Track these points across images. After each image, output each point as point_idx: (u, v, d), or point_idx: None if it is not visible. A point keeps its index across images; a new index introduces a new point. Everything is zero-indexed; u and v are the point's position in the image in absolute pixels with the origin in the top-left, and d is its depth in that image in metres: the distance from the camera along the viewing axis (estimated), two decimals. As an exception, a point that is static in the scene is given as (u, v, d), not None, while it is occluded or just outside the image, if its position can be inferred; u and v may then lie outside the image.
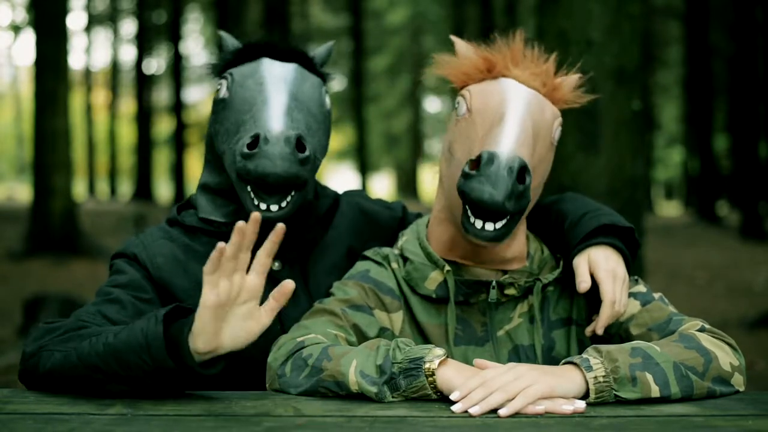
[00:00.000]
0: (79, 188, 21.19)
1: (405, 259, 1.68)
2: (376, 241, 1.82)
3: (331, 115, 1.75)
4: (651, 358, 1.41)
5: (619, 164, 3.12)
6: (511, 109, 1.53)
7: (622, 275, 1.60)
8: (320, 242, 1.79)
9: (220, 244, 1.30)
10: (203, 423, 1.28)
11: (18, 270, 9.06)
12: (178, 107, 20.82)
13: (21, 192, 27.86)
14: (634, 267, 1.65)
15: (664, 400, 1.40)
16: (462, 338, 1.63)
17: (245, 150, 1.52)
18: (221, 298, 1.32)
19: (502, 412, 1.31)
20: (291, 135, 1.51)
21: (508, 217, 1.47)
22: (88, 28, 28.83)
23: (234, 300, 1.34)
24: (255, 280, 1.36)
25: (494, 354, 1.63)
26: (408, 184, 31.52)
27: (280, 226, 1.33)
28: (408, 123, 30.04)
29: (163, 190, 30.78)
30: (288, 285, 1.35)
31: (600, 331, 1.59)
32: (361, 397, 1.41)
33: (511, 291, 1.62)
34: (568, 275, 1.66)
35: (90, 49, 30.18)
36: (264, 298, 1.70)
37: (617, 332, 1.63)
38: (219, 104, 1.69)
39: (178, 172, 20.61)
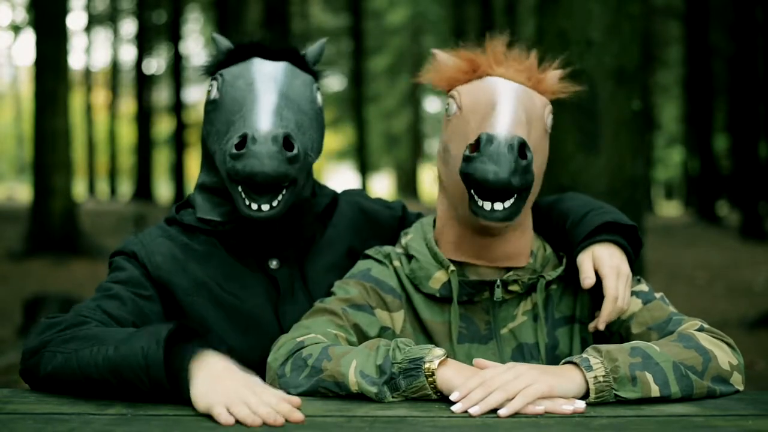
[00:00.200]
0: (79, 188, 21.20)
1: (409, 257, 1.68)
2: (377, 241, 1.82)
3: (323, 111, 1.76)
4: (650, 357, 1.41)
5: (619, 164, 3.12)
6: (502, 99, 1.54)
7: (625, 272, 1.60)
8: (319, 240, 1.79)
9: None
10: (203, 423, 1.28)
11: (18, 270, 9.05)
12: (178, 107, 20.82)
13: (21, 192, 27.87)
14: (634, 267, 1.66)
15: (664, 399, 1.40)
16: (465, 336, 1.63)
17: (233, 150, 1.52)
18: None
19: (501, 412, 1.31)
20: (279, 134, 1.51)
21: (516, 195, 1.47)
22: (88, 28, 28.84)
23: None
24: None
25: (498, 352, 1.63)
26: (408, 184, 31.52)
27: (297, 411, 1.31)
28: (408, 123, 30.07)
29: (163, 190, 30.79)
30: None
31: (602, 327, 1.59)
32: (361, 397, 1.41)
33: (515, 288, 1.63)
34: (571, 273, 1.67)
35: (90, 49, 30.19)
36: (263, 297, 1.71)
37: (618, 330, 1.64)
38: (210, 105, 1.70)
39: (178, 172, 20.62)
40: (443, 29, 24.88)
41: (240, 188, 1.56)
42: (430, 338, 1.64)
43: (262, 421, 1.26)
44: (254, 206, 1.56)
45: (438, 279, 1.64)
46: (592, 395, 1.37)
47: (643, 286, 1.67)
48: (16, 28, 26.11)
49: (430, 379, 1.38)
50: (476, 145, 1.45)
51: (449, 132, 1.61)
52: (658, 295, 1.67)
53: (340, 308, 1.60)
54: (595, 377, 1.37)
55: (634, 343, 1.46)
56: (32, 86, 10.05)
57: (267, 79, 1.65)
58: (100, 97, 32.27)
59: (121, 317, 1.56)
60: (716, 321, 5.77)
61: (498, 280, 1.61)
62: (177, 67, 21.11)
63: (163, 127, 28.47)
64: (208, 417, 1.30)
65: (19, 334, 5.63)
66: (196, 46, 29.77)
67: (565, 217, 1.71)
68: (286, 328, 1.65)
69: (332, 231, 1.81)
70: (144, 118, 23.20)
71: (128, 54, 30.70)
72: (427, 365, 1.38)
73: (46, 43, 9.68)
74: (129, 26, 28.38)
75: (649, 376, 1.39)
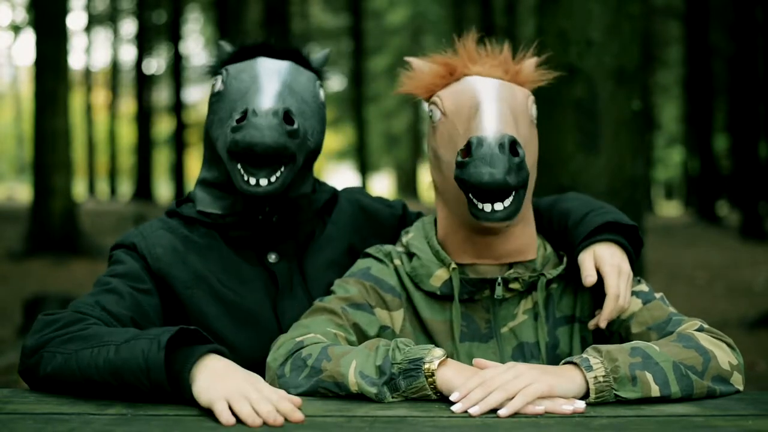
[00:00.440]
0: (79, 188, 21.20)
1: (410, 255, 1.68)
2: (377, 239, 1.82)
3: (325, 108, 1.77)
4: (650, 357, 1.41)
5: (619, 164, 3.12)
6: (484, 99, 1.55)
7: (627, 271, 1.61)
8: (318, 237, 1.79)
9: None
10: (203, 423, 1.28)
11: (18, 270, 9.05)
12: (178, 107, 20.83)
13: (21, 192, 27.86)
14: (635, 267, 1.66)
15: (664, 399, 1.40)
16: (466, 334, 1.63)
17: (234, 124, 1.54)
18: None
19: (501, 412, 1.31)
20: (279, 108, 1.53)
21: (514, 193, 1.47)
22: (88, 28, 28.83)
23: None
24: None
25: (498, 351, 1.63)
26: (408, 184, 31.51)
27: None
28: (408, 123, 30.03)
29: (163, 190, 30.80)
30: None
31: (603, 325, 1.59)
32: (361, 397, 1.40)
33: (515, 285, 1.63)
34: (572, 273, 1.67)
35: (90, 49, 30.18)
36: (262, 293, 1.71)
37: (618, 329, 1.64)
38: (214, 97, 1.72)
39: (178, 172, 20.61)
40: (443, 29, 24.84)
41: (239, 165, 1.57)
42: (429, 337, 1.64)
43: (262, 421, 1.27)
44: (252, 181, 1.57)
45: (439, 277, 1.64)
46: (592, 395, 1.37)
47: (643, 287, 1.67)
48: (16, 28, 26.10)
49: (429, 379, 1.38)
50: (467, 150, 1.45)
51: (437, 139, 1.61)
52: (657, 295, 1.67)
53: (339, 307, 1.60)
54: (595, 377, 1.37)
55: (634, 343, 1.46)
56: (32, 86, 10.04)
57: (271, 72, 1.67)
58: (100, 97, 32.27)
59: (119, 313, 1.56)
60: (716, 321, 5.78)
61: (499, 278, 1.61)
62: (177, 67, 21.12)
63: (163, 127, 28.47)
64: (209, 417, 1.30)
65: (19, 334, 5.63)
66: (196, 46, 29.83)
67: (566, 217, 1.71)
68: (285, 325, 1.65)
69: (332, 228, 1.81)
70: (144, 118, 23.20)
71: (128, 54, 30.76)
72: (426, 366, 1.38)
73: (46, 43, 9.67)
74: (129, 26, 28.39)
75: (649, 376, 1.39)
